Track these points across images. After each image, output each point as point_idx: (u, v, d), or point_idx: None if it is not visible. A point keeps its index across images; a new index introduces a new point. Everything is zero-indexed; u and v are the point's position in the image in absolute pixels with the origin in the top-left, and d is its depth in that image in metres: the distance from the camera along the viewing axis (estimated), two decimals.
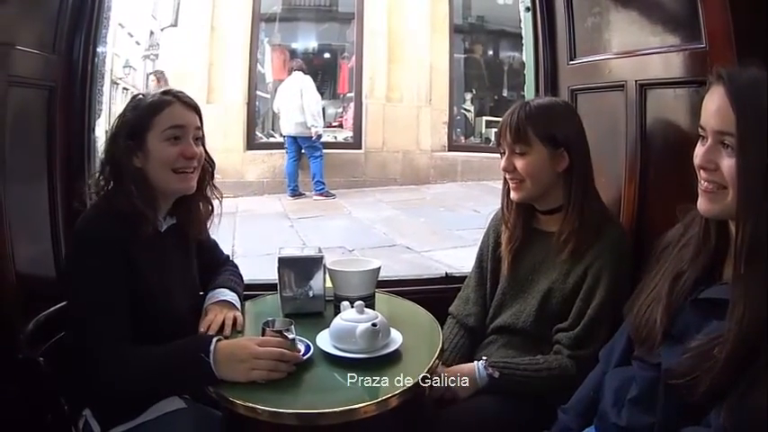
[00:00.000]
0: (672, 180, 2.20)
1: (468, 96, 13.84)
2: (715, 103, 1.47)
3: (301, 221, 8.80)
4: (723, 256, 1.57)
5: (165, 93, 2.18)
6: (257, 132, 12.19)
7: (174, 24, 11.63)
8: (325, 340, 2.05)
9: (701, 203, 1.54)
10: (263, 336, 1.98)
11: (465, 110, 13.78)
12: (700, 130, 1.53)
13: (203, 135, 2.25)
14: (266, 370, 1.86)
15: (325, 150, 10.99)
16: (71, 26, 2.67)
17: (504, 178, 2.33)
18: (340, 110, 13.96)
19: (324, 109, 13.59)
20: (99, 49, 2.91)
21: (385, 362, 1.97)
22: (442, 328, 2.37)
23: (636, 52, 2.52)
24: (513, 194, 2.30)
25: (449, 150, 12.21)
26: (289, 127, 10.48)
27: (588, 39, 2.84)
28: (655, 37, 2.43)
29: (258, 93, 12.28)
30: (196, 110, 2.22)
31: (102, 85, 2.98)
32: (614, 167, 2.61)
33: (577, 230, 2.19)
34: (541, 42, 3.09)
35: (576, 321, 2.16)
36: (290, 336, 1.96)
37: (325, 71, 14.36)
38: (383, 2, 11.91)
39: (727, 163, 1.44)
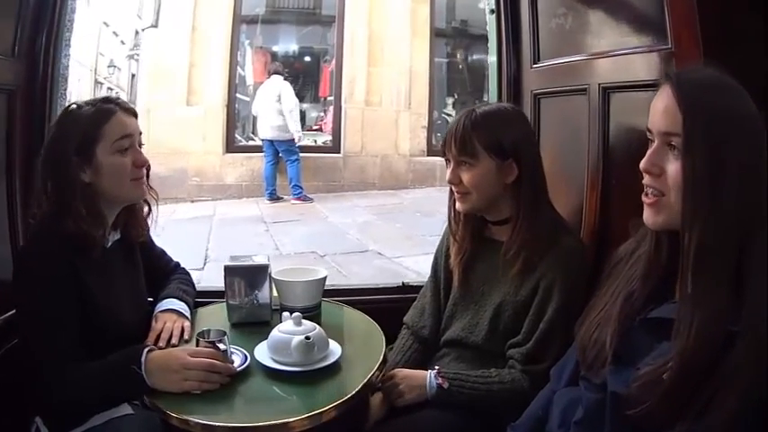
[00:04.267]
0: (636, 189, 2.05)
1: (450, 101, 13.87)
2: (662, 103, 1.38)
3: (277, 226, 8.73)
4: (676, 271, 1.43)
5: (105, 100, 2.12)
6: (237, 135, 12.13)
7: (155, 25, 11.50)
8: (263, 352, 2.01)
9: (646, 215, 1.44)
10: (197, 346, 1.97)
11: (447, 114, 13.74)
12: (647, 133, 1.44)
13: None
14: (197, 381, 1.86)
15: (304, 154, 10.96)
16: (32, 30, 2.64)
17: (450, 189, 2.23)
18: (321, 113, 13.97)
19: (304, 113, 13.65)
20: (62, 53, 2.88)
21: (322, 375, 1.94)
22: (395, 339, 2.39)
23: (599, 54, 2.44)
24: (458, 205, 2.20)
25: (428, 155, 12.09)
26: (266, 130, 10.41)
27: (552, 41, 2.76)
28: (619, 38, 2.34)
29: (239, 95, 12.24)
30: (136, 115, 2.17)
31: (65, 89, 2.94)
32: (576, 175, 2.51)
33: (527, 243, 2.08)
34: (505, 45, 3.01)
35: (527, 336, 2.06)
36: (222, 347, 1.93)
37: (306, 74, 14.46)
38: (364, 5, 11.86)
39: (674, 167, 1.35)
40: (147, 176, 2.21)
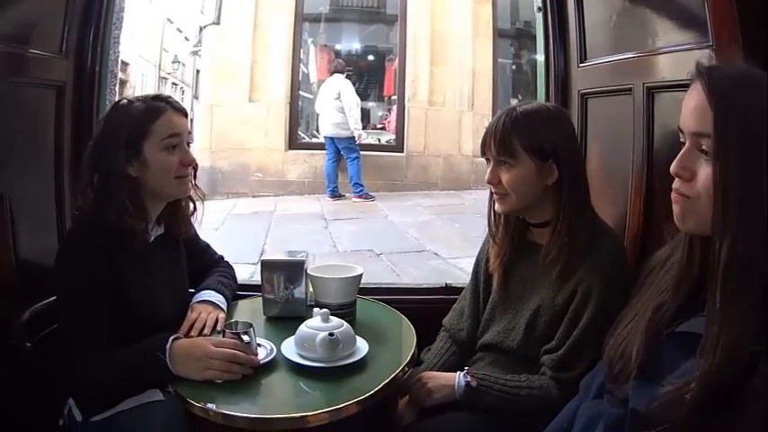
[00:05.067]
0: None
1: (514, 102, 13.70)
2: (693, 101, 1.28)
3: (336, 223, 8.72)
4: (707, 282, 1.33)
5: (156, 98, 2.16)
6: (300, 132, 12.19)
7: (217, 22, 11.63)
8: (289, 346, 2.03)
9: (675, 214, 1.34)
10: (223, 337, 2.00)
11: None
12: (679, 134, 1.34)
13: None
14: (219, 370, 1.90)
15: (367, 153, 10.97)
16: (80, 28, 2.73)
17: (490, 190, 2.17)
18: (385, 112, 13.94)
19: (368, 111, 13.66)
20: (110, 50, 2.98)
21: (347, 372, 1.95)
22: (434, 340, 2.37)
23: (644, 53, 2.37)
24: (497, 206, 2.13)
25: None
26: (327, 128, 10.41)
27: (598, 39, 2.71)
28: (664, 36, 2.27)
29: (302, 93, 12.29)
30: (186, 114, 2.22)
31: (114, 84, 3.02)
32: (621, 178, 2.44)
33: (567, 246, 2.01)
34: (552, 43, 2.96)
35: (560, 342, 1.99)
36: (246, 338, 1.96)
37: (371, 73, 14.45)
38: (426, 4, 11.80)
39: (705, 171, 1.24)
40: (195, 176, 2.26)
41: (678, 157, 1.31)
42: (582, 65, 2.80)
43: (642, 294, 1.49)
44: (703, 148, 1.25)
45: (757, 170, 1.16)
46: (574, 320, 1.97)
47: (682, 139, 1.32)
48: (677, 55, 2.15)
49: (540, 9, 3.04)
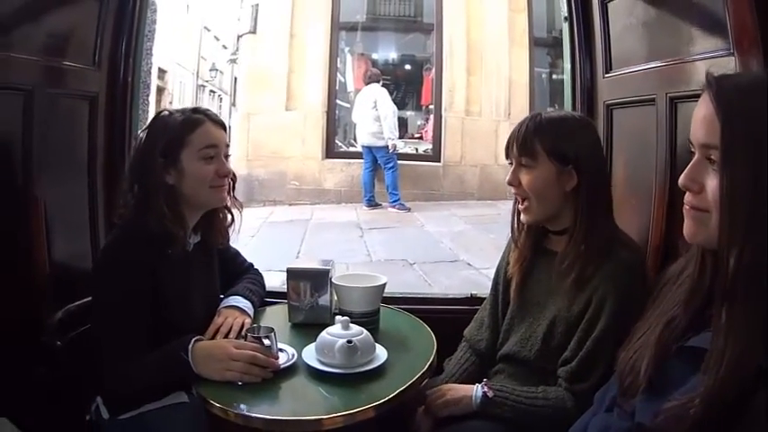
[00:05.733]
0: None
1: (550, 110, 13.59)
2: (702, 112, 1.25)
3: (372, 232, 8.74)
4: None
5: (195, 110, 2.26)
6: (337, 141, 12.23)
7: (253, 31, 11.75)
8: (310, 352, 2.07)
9: (685, 227, 1.32)
10: (245, 340, 2.07)
11: None
12: (689, 145, 1.32)
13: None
14: (239, 372, 1.95)
15: (405, 162, 10.98)
16: (112, 40, 2.83)
17: (515, 197, 2.18)
18: (423, 122, 13.93)
19: (406, 120, 13.65)
20: (141, 61, 3.09)
21: (365, 378, 1.98)
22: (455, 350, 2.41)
23: (667, 62, 2.37)
24: (522, 217, 2.15)
25: None
26: (363, 137, 10.43)
27: (623, 49, 2.71)
28: (686, 44, 2.27)
29: (339, 102, 12.34)
30: (224, 127, 2.31)
31: (147, 95, 3.12)
32: (645, 189, 2.44)
33: (582, 254, 2.01)
34: (578, 53, 2.96)
35: (574, 353, 1.98)
36: (267, 342, 2.02)
37: (408, 82, 14.45)
38: (462, 14, 11.78)
39: (713, 183, 1.22)
40: (233, 187, 2.35)
41: (687, 169, 1.29)
42: (607, 75, 2.80)
43: (656, 308, 1.47)
44: (712, 158, 1.23)
45: (765, 181, 1.14)
46: (588, 330, 1.97)
47: (692, 149, 1.30)
48: (700, 63, 2.14)
49: (566, 19, 3.05)
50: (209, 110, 2.32)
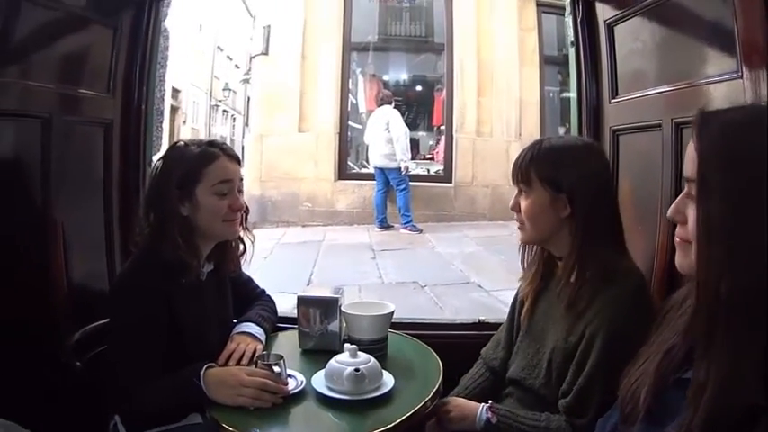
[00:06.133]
0: None
1: (562, 130, 13.44)
2: (690, 147, 1.27)
3: (384, 254, 8.73)
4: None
5: (211, 144, 2.31)
6: (349, 162, 12.25)
7: (265, 52, 11.80)
8: (320, 379, 2.11)
9: (676, 257, 1.35)
10: (256, 367, 2.12)
11: None
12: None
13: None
14: (251, 397, 2.00)
15: (417, 183, 10.97)
16: (126, 68, 2.93)
17: None
18: (434, 142, 13.95)
19: (418, 141, 13.66)
20: (155, 88, 3.19)
21: (373, 405, 2.02)
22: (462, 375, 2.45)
23: (674, 87, 2.39)
24: (517, 236, 2.20)
25: None
26: (376, 158, 10.45)
27: (629, 75, 2.74)
28: (694, 68, 2.28)
29: (351, 123, 12.38)
30: (239, 161, 2.36)
31: (160, 122, 3.20)
32: (651, 215, 2.45)
33: (573, 284, 2.02)
34: (585, 79, 2.99)
35: (570, 387, 1.98)
36: (277, 369, 2.07)
37: (420, 103, 14.46)
38: (472, 34, 11.79)
39: (693, 217, 1.25)
40: (246, 219, 2.40)
41: (675, 201, 1.34)
42: (614, 100, 2.82)
43: (658, 335, 1.46)
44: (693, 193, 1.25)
45: (740, 213, 1.15)
46: (581, 364, 1.96)
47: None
48: (707, 87, 2.16)
49: (572, 43, 3.07)
50: (224, 144, 2.39)
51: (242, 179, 2.36)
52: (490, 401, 2.16)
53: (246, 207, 2.38)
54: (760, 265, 1.12)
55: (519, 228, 2.16)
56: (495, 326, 2.58)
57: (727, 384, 1.13)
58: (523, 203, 2.11)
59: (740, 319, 1.14)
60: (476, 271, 7.61)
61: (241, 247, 2.49)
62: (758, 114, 1.24)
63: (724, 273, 1.15)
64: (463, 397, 2.31)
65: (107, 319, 2.35)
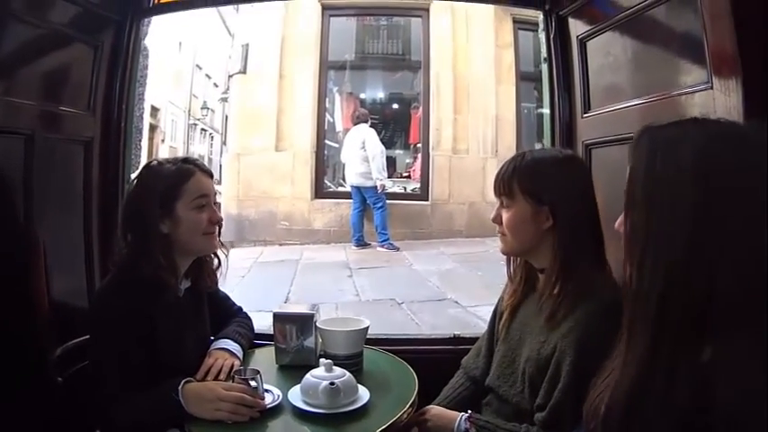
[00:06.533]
0: None
1: (539, 146, 13.56)
2: None
3: (361, 272, 8.73)
4: None
5: (186, 161, 2.35)
6: (326, 181, 12.24)
7: (243, 71, 11.82)
8: (296, 394, 2.14)
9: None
10: (233, 382, 2.14)
11: None
12: None
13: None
14: (228, 411, 2.03)
15: (394, 201, 10.98)
16: (106, 86, 2.96)
17: None
18: (411, 160, 13.96)
19: (395, 159, 13.66)
20: (134, 107, 3.24)
21: (348, 418, 2.05)
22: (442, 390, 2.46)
23: (645, 100, 2.41)
24: (499, 246, 2.20)
25: None
26: (352, 177, 10.45)
27: (601, 89, 2.77)
28: (663, 81, 2.31)
29: (328, 142, 12.37)
30: (212, 176, 2.42)
31: (139, 140, 3.24)
32: None
33: (554, 296, 2.01)
34: (557, 95, 3.02)
35: (545, 401, 1.97)
36: (254, 384, 2.10)
37: (396, 121, 14.40)
38: (448, 52, 11.86)
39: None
40: (219, 232, 2.41)
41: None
42: (586, 115, 2.86)
43: (619, 349, 1.46)
44: None
45: (660, 226, 1.24)
46: (554, 379, 1.95)
47: None
48: (679, 99, 2.19)
49: (545, 59, 3.10)
50: (197, 160, 2.43)
51: (216, 193, 2.41)
52: (470, 411, 2.16)
53: (222, 220, 2.41)
54: (676, 274, 1.20)
55: (500, 238, 2.17)
56: (471, 340, 2.60)
57: (632, 381, 1.25)
58: (505, 215, 2.12)
59: (642, 326, 1.25)
60: (452, 287, 7.62)
61: (216, 261, 2.51)
62: (688, 130, 1.29)
63: (640, 281, 1.25)
64: (443, 406, 2.31)
65: (86, 336, 2.34)
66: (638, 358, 1.24)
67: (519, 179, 2.08)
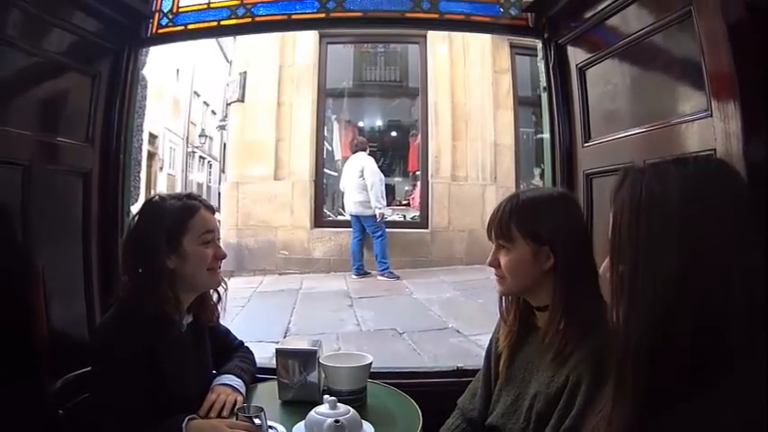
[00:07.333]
0: None
1: (537, 171, 13.41)
2: None
3: (361, 301, 8.66)
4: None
5: (189, 197, 2.37)
6: (325, 210, 12.22)
7: (241, 99, 11.82)
8: (300, 431, 2.14)
9: None
10: (236, 420, 2.13)
11: (534, 185, 13.28)
12: None
13: None
14: None
15: (393, 230, 10.94)
16: (104, 118, 2.98)
17: None
18: (410, 188, 13.96)
19: (394, 187, 13.66)
20: (132, 138, 3.25)
21: None
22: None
23: (645, 128, 2.42)
24: (496, 287, 2.17)
25: None
26: (351, 206, 10.44)
27: (601, 118, 2.78)
28: (663, 110, 2.32)
29: (326, 170, 12.37)
30: (214, 212, 2.46)
31: (138, 171, 3.25)
32: None
33: (561, 332, 1.99)
34: (558, 124, 3.03)
35: (556, 427, 1.94)
36: (258, 422, 2.07)
37: (395, 148, 14.46)
38: (446, 78, 11.87)
39: None
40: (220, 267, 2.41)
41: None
42: (586, 144, 2.86)
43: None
44: None
45: (642, 270, 1.24)
46: (566, 409, 1.92)
47: None
48: (679, 127, 2.19)
49: (545, 89, 3.11)
50: (200, 195, 2.45)
51: (218, 228, 2.44)
52: None
53: (226, 255, 2.42)
54: (662, 331, 1.21)
55: (498, 280, 2.14)
56: (474, 372, 2.55)
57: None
58: (504, 259, 2.08)
59: (636, 364, 1.25)
60: (454, 316, 7.57)
61: (215, 296, 2.51)
62: (668, 173, 1.28)
63: (629, 323, 1.27)
64: None
65: (89, 368, 2.31)
66: (625, 417, 1.25)
67: (517, 221, 2.06)
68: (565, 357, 1.97)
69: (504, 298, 2.24)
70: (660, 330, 1.20)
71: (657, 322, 1.21)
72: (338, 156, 13.36)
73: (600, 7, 2.67)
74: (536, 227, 2.04)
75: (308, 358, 2.46)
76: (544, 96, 3.13)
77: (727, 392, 1.16)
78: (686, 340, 1.18)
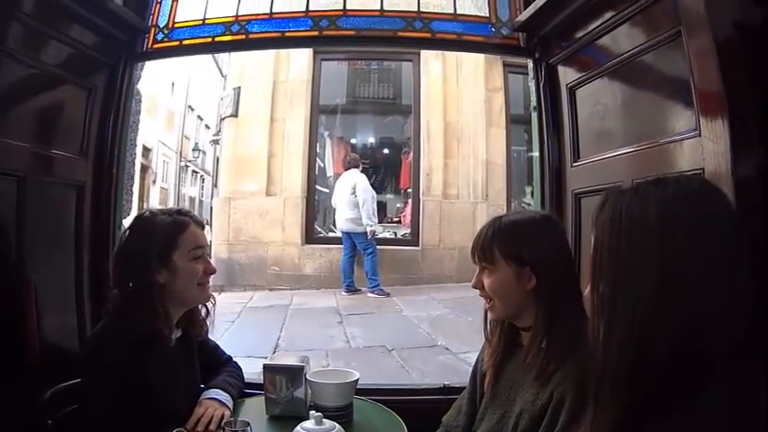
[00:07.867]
0: None
1: (529, 190, 13.42)
2: None
3: (351, 318, 8.65)
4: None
5: (180, 212, 2.39)
6: (317, 226, 12.23)
7: (235, 114, 11.84)
8: None
9: None
10: None
11: (526, 204, 12.99)
12: None
13: None
14: None
15: (384, 247, 10.95)
16: (98, 131, 3.01)
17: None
18: (401, 205, 13.96)
19: (385, 204, 13.65)
20: (126, 152, 3.28)
21: None
22: None
23: (634, 148, 2.45)
24: (489, 314, 2.20)
25: None
26: (342, 223, 10.46)
27: (590, 138, 2.80)
28: (652, 130, 2.35)
29: (318, 187, 12.37)
30: (204, 228, 2.48)
31: (131, 186, 3.26)
32: None
33: (543, 351, 2.02)
34: (547, 143, 3.06)
35: None
36: None
37: (387, 165, 14.45)
38: (438, 96, 11.93)
39: None
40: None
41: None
42: (575, 164, 2.88)
43: None
44: None
45: (622, 292, 1.28)
46: (550, 426, 1.94)
47: None
48: (667, 147, 2.22)
49: (535, 108, 3.13)
50: (190, 211, 2.48)
51: (208, 244, 2.47)
52: None
53: (215, 271, 2.44)
54: (641, 351, 1.23)
55: (489, 306, 2.16)
56: (461, 390, 2.56)
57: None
58: (487, 280, 2.11)
59: (614, 380, 1.27)
60: (443, 334, 7.57)
61: (203, 311, 2.52)
62: (648, 195, 1.33)
63: (608, 340, 1.30)
64: None
65: (78, 379, 2.34)
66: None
67: (499, 243, 2.09)
68: (548, 375, 1.98)
69: (488, 320, 2.26)
70: (638, 348, 1.23)
71: (636, 340, 1.23)
72: (330, 172, 13.35)
73: (590, 27, 2.70)
74: (517, 248, 2.07)
75: (295, 374, 2.47)
76: (534, 115, 3.15)
77: (705, 409, 1.18)
78: (664, 357, 1.21)
